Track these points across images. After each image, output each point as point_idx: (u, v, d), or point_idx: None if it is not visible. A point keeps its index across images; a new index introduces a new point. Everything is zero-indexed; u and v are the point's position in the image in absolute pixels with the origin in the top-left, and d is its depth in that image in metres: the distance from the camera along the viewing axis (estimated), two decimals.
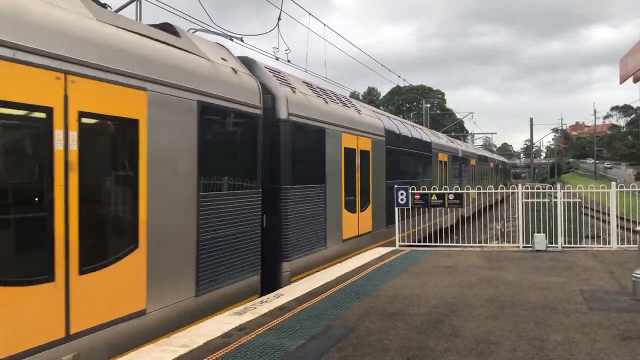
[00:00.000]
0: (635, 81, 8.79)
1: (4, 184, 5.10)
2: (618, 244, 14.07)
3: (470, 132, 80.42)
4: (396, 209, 14.93)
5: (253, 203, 9.13)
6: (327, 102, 12.90)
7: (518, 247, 14.29)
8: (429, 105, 70.62)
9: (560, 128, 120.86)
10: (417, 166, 21.04)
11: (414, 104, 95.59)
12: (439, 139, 27.05)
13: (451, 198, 14.44)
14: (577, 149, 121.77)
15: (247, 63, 10.36)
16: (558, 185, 14.94)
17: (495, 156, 56.27)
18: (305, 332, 6.70)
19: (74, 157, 5.62)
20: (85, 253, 5.69)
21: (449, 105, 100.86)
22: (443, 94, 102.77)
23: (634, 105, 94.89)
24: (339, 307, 7.96)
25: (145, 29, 7.32)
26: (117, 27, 6.53)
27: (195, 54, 8.08)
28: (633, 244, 13.15)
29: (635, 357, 5.69)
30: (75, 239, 5.59)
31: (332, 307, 7.96)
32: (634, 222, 16.45)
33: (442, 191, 14.80)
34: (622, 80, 9.31)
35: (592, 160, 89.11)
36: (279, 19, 14.48)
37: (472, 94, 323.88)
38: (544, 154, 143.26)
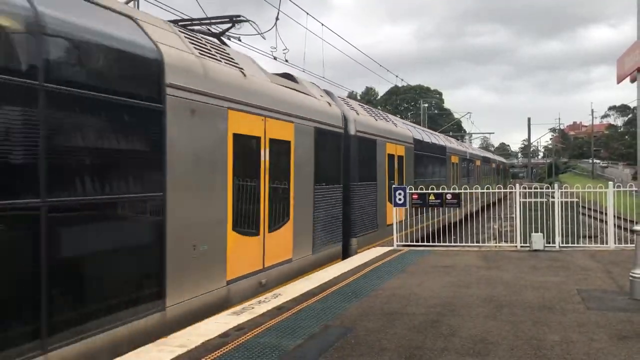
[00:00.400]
0: (632, 81, 8.80)
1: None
2: (615, 243, 14.09)
3: (468, 131, 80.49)
4: (394, 208, 14.95)
5: (338, 194, 13.25)
6: (376, 120, 16.88)
7: (516, 246, 14.31)
8: (426, 105, 70.68)
9: (558, 128, 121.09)
10: (435, 167, 24.22)
11: (412, 103, 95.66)
12: (451, 143, 30.62)
13: (449, 198, 14.45)
14: (574, 149, 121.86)
15: (329, 95, 14.44)
16: (555, 185, 14.97)
17: (497, 157, 59.64)
18: (303, 331, 6.70)
19: (266, 164, 9.67)
20: (270, 221, 9.79)
21: (446, 105, 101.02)
22: (441, 94, 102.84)
23: (632, 105, 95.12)
24: (337, 307, 7.96)
25: (290, 84, 11.71)
26: (280, 85, 10.82)
27: (309, 95, 12.28)
28: (630, 243, 13.17)
29: (632, 357, 5.70)
30: (267, 214, 9.68)
31: (330, 307, 7.97)
32: (632, 221, 16.48)
33: (440, 191, 14.81)
34: (620, 80, 9.32)
35: (590, 160, 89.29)
36: (277, 18, 14.48)
37: (471, 93, 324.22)
38: (541, 154, 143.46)
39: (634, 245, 8.52)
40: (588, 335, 6.46)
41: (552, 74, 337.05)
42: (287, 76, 12.31)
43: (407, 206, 14.89)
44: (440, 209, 17.43)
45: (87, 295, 5.79)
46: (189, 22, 10.66)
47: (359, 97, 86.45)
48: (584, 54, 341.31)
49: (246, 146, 8.99)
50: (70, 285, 5.60)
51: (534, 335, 6.45)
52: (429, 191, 14.80)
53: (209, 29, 10.90)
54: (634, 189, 15.40)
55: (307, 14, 17.65)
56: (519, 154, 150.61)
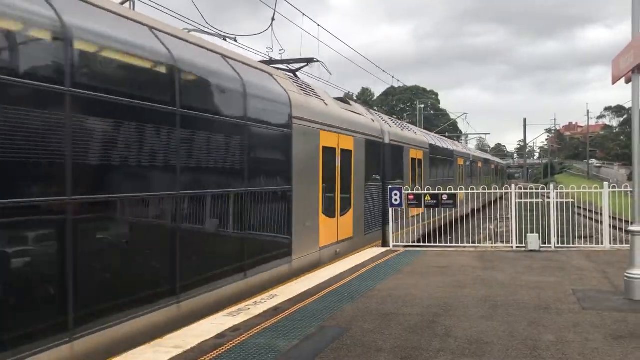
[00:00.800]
0: (627, 82, 8.81)
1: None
2: (611, 243, 14.14)
3: (464, 132, 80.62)
4: (390, 209, 14.97)
5: (379, 190, 16.18)
6: (402, 130, 20.50)
7: (511, 247, 14.34)
8: (423, 105, 70.71)
9: (554, 128, 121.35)
10: (445, 169, 27.49)
11: (408, 104, 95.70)
12: (457, 147, 34.48)
13: (445, 198, 14.47)
14: (570, 150, 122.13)
15: (370, 112, 18.61)
16: (551, 186, 15.00)
17: (495, 159, 64.68)
18: (299, 332, 6.69)
19: (339, 167, 13.00)
20: (341, 208, 13.15)
21: (443, 105, 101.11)
22: (437, 95, 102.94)
23: (627, 106, 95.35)
24: (333, 307, 7.96)
25: (347, 106, 15.49)
26: (343, 109, 14.44)
27: (360, 114, 15.93)
28: (625, 243, 13.20)
29: (626, 357, 5.72)
30: (339, 203, 13.02)
31: (326, 307, 7.97)
32: (627, 222, 16.52)
33: (436, 192, 14.83)
34: (615, 80, 9.32)
35: (585, 161, 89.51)
36: (273, 19, 14.49)
37: (468, 93, 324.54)
38: (537, 155, 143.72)
39: (629, 245, 8.54)
40: (583, 335, 6.48)
41: (549, 74, 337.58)
42: (342, 100, 16.47)
43: (403, 206, 14.93)
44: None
45: (264, 248, 9.61)
46: (276, 61, 14.38)
47: (355, 98, 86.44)
48: (580, 54, 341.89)
49: (328, 154, 12.55)
50: (256, 240, 9.38)
51: (529, 336, 6.46)
52: (425, 192, 14.82)
53: (287, 67, 14.31)
54: (629, 189, 15.44)
55: (303, 14, 17.65)
56: (515, 154, 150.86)
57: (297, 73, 14.34)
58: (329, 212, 12.52)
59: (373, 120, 16.83)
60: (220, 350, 6.02)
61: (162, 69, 7.20)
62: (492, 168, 51.41)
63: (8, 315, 4.95)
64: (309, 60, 14.42)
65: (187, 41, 8.22)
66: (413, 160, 20.52)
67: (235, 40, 12.06)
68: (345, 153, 13.60)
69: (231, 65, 9.08)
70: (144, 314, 6.50)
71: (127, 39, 6.68)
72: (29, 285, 5.20)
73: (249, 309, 7.86)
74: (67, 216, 5.51)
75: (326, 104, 13.00)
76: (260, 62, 12.20)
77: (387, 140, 17.35)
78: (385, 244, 15.88)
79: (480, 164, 42.05)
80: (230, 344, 6.24)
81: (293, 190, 10.58)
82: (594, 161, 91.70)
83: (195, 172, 7.78)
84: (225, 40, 11.57)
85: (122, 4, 8.47)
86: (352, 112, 15.29)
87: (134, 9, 10.97)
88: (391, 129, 18.43)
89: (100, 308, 5.92)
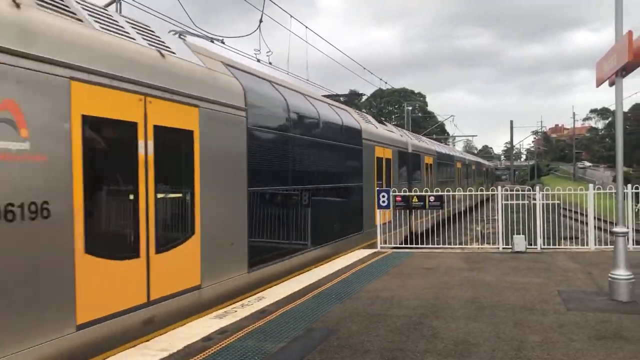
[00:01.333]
0: (611, 85, 8.91)
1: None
2: (596, 245, 14.29)
3: (451, 134, 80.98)
4: (377, 210, 15.02)
5: (406, 189, 17.09)
6: (419, 142, 25.44)
7: (498, 248, 14.44)
8: (410, 108, 70.95)
9: (540, 130, 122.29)
10: (447, 172, 32.14)
11: (396, 106, 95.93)
12: (455, 152, 40.20)
13: (432, 200, 14.53)
14: (556, 151, 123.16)
15: (398, 129, 23.35)
16: (537, 187, 15.12)
17: (485, 162, 71.00)
18: (286, 334, 6.70)
19: (383, 171, 18.22)
20: (377, 202, 15.49)
21: (431, 108, 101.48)
22: (424, 97, 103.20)
23: (612, 108, 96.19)
24: (320, 309, 7.97)
25: (384, 126, 20.34)
26: (386, 130, 19.88)
27: (391, 131, 20.41)
28: (610, 244, 13.34)
29: (610, 357, 5.78)
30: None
31: (314, 309, 7.97)
32: (612, 223, 16.69)
33: (423, 193, 14.89)
34: (599, 83, 9.42)
35: (572, 163, 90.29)
36: (261, 21, 14.49)
37: (455, 96, 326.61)
38: (524, 156, 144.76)
39: (613, 246, 8.64)
40: (568, 335, 6.54)
41: (535, 77, 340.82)
42: (380, 120, 21.26)
43: (391, 208, 14.99)
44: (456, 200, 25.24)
45: (356, 222, 15.40)
46: (332, 96, 20.06)
47: (342, 100, 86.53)
48: (567, 58, 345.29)
49: (380, 163, 17.62)
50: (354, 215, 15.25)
51: (515, 336, 6.51)
52: (412, 194, 14.87)
53: (339, 98, 20.00)
54: (614, 191, 15.61)
55: (291, 16, 17.65)
56: (502, 156, 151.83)
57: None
58: (379, 205, 15.89)
59: (401, 135, 22.14)
60: (207, 353, 6.01)
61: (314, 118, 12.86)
62: (483, 170, 56.06)
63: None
64: (356, 93, 22.67)
65: (308, 97, 13.40)
66: (426, 165, 25.60)
67: (223, 42, 12.03)
68: (387, 161, 18.53)
69: (332, 108, 14.69)
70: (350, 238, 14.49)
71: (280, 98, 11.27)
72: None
73: (235, 311, 7.85)
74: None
75: (376, 127, 18.40)
76: (326, 96, 17.87)
77: (410, 150, 22.08)
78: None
79: (474, 167, 47.10)
80: (218, 347, 6.22)
81: (363, 187, 15.79)
82: (586, 163, 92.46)
83: (332, 174, 13.73)
84: (213, 42, 11.54)
85: (107, 5, 8.42)
86: (389, 130, 20.65)
87: (120, 11, 10.92)
88: (412, 141, 23.59)
89: (321, 241, 12.65)
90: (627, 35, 7.84)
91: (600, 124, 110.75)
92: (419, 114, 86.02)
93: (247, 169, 9.21)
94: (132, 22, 7.60)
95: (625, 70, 8.36)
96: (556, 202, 14.84)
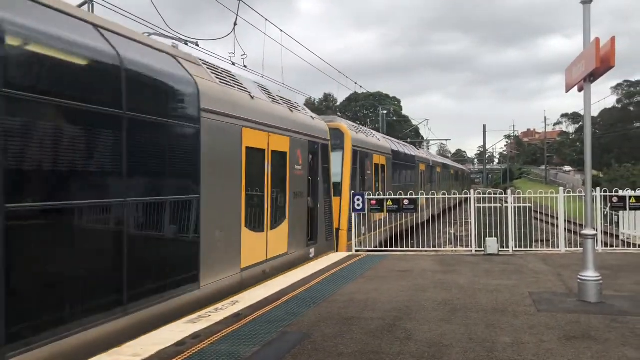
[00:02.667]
0: (579, 90, 9.10)
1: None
2: (566, 247, 14.55)
3: (425, 138, 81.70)
4: (353, 214, 15.07)
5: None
6: (417, 149, 32.16)
7: (471, 251, 14.60)
8: (385, 112, 71.38)
9: (513, 135, 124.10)
10: (430, 176, 35.29)
11: (371, 110, 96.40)
12: (435, 157, 44.68)
13: (406, 203, 14.64)
14: (528, 155, 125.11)
15: (412, 145, 35.17)
16: (509, 191, 15.34)
17: (461, 166, 74.81)
18: (260, 338, 6.67)
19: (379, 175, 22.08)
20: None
21: (406, 112, 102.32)
22: (399, 101, 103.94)
23: (582, 113, 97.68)
24: (295, 313, 7.96)
25: (389, 139, 27.24)
26: (395, 142, 27.59)
27: (407, 145, 31.41)
28: (580, 247, 13.59)
29: (579, 356, 5.89)
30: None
31: (288, 313, 7.96)
32: (581, 225, 17.02)
33: (397, 197, 14.99)
34: (568, 88, 9.62)
35: (543, 166, 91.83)
36: (235, 23, 14.44)
37: (432, 100, 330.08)
38: (497, 160, 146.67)
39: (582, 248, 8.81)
40: (538, 336, 6.64)
41: (510, 82, 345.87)
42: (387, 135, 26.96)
43: (366, 211, 15.04)
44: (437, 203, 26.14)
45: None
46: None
47: (316, 104, 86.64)
48: (541, 63, 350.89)
49: (377, 168, 21.28)
50: None
51: (487, 338, 6.59)
52: (386, 197, 14.96)
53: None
54: (583, 194, 15.92)
55: (266, 20, 17.64)
56: (475, 159, 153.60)
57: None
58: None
59: (408, 148, 28.58)
60: (179, 358, 5.95)
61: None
62: (459, 174, 60.84)
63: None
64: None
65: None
66: (421, 171, 30.36)
67: (197, 45, 11.96)
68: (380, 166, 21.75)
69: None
70: None
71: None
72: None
73: (209, 315, 7.80)
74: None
75: (378, 140, 22.65)
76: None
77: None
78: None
79: (452, 171, 52.44)
80: (190, 351, 6.17)
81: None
82: (568, 168, 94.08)
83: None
84: (187, 44, 11.46)
85: (80, 6, 8.32)
86: (389, 140, 25.24)
87: (93, 11, 10.79)
88: (418, 152, 30.16)
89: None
90: (595, 42, 8.02)
91: (571, 128, 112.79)
92: (394, 118, 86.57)
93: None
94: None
95: (593, 76, 8.55)
96: (528, 205, 15.07)
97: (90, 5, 11.38)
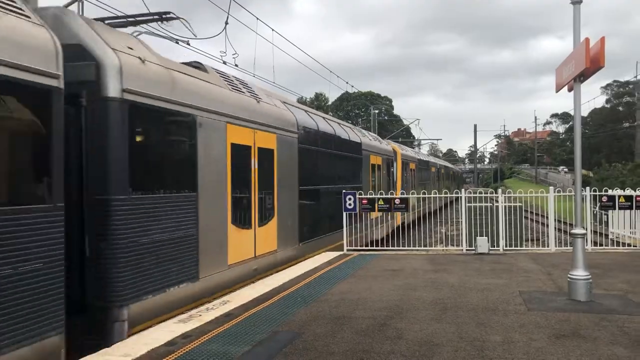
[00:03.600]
0: (569, 90, 9.15)
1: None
2: (556, 246, 14.63)
3: (417, 137, 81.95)
4: (344, 213, 15.07)
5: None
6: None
7: (462, 250, 14.65)
8: (377, 111, 71.50)
9: (503, 134, 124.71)
10: (426, 175, 38.68)
11: (363, 109, 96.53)
12: (430, 158, 47.62)
13: (397, 202, 14.66)
14: (518, 155, 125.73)
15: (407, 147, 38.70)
16: (499, 190, 15.40)
17: (455, 167, 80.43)
18: (251, 338, 6.66)
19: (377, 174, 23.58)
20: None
21: (399, 111, 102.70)
22: (390, 100, 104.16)
23: (572, 113, 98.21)
24: (286, 312, 7.96)
25: (383, 143, 26.97)
26: (384, 143, 27.59)
27: (405, 148, 36.73)
28: (570, 246, 13.68)
29: (568, 355, 5.93)
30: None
31: (279, 312, 7.96)
32: (571, 224, 17.12)
33: (389, 196, 15.01)
34: (558, 88, 9.66)
35: (534, 166, 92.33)
36: (226, 22, 14.39)
37: (424, 100, 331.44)
38: (487, 160, 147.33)
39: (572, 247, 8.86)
40: (528, 335, 6.68)
41: (503, 83, 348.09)
42: (380, 139, 27.54)
43: (357, 211, 15.04)
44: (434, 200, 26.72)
45: None
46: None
47: (307, 102, 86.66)
48: (534, 64, 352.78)
49: (374, 167, 21.88)
50: None
51: (477, 337, 6.62)
52: (378, 196, 14.98)
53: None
54: (573, 193, 16.02)
55: (257, 19, 17.60)
56: (466, 159, 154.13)
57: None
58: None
59: (410, 150, 31.23)
60: (170, 358, 5.94)
61: None
62: (451, 174, 63.49)
63: None
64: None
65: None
66: (412, 170, 31.38)
67: (188, 44, 11.91)
68: (377, 166, 22.52)
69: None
70: None
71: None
72: None
73: (200, 315, 7.78)
74: None
75: (380, 142, 23.98)
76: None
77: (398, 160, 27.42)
78: None
79: (443, 171, 54.49)
80: (181, 351, 6.16)
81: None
82: (563, 168, 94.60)
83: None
84: (178, 43, 11.42)
85: (68, 5, 8.27)
86: (387, 143, 26.36)
87: (82, 11, 10.72)
88: (402, 151, 29.54)
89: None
90: (585, 42, 8.07)
91: (561, 128, 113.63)
92: (385, 118, 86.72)
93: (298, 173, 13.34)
94: (241, 80, 11.74)
95: (583, 76, 8.60)
96: (518, 204, 15.14)
97: (80, 5, 11.30)
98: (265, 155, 11.62)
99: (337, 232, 15.57)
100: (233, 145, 10.10)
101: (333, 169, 16.93)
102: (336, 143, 17.28)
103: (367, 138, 22.53)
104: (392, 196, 14.97)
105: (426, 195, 16.90)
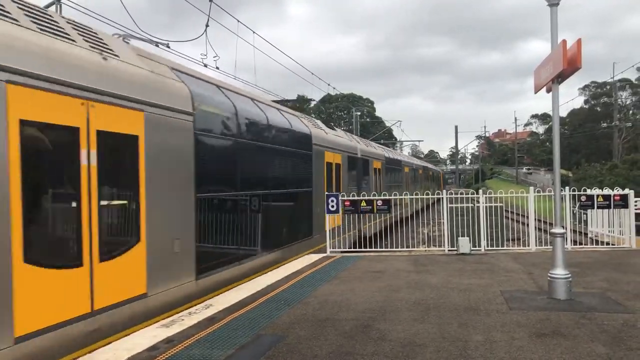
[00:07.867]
0: (548, 91, 9.27)
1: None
2: (536, 245, 14.78)
3: (398, 139, 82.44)
4: (326, 215, 15.09)
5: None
6: (394, 155, 34.28)
7: (444, 250, 14.74)
8: (359, 113, 71.72)
9: (484, 135, 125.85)
10: (414, 176, 41.71)
11: (345, 111, 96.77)
12: (415, 160, 52.60)
13: (379, 204, 14.71)
14: (499, 156, 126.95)
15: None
16: (480, 191, 15.54)
17: (438, 168, 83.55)
18: (234, 342, 6.64)
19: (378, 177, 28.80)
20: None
21: (383, 113, 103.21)
22: (372, 102, 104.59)
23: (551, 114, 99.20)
24: (269, 315, 7.94)
25: (378, 147, 33.23)
26: (381, 148, 33.36)
27: (383, 149, 35.36)
28: (550, 245, 13.84)
29: (549, 353, 6.00)
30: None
31: (262, 315, 7.94)
32: (551, 224, 17.32)
33: (371, 197, 15.06)
34: (537, 90, 9.78)
35: (514, 166, 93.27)
36: (207, 25, 14.35)
37: (411, 102, 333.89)
38: (468, 160, 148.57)
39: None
40: (510, 334, 6.74)
41: (489, 84, 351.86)
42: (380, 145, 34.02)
43: (340, 213, 15.07)
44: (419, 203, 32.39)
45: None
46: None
47: (289, 105, 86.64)
48: (520, 66, 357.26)
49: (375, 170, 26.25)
50: None
51: (459, 337, 6.67)
52: (361, 198, 15.02)
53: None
54: (553, 193, 16.21)
55: (238, 21, 17.59)
56: (448, 160, 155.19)
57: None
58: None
59: (377, 147, 31.57)
60: None
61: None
62: (430, 175, 66.46)
63: None
64: None
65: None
66: (407, 173, 35.24)
67: (168, 47, 11.85)
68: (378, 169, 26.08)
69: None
70: None
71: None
72: None
73: (183, 319, 7.73)
74: None
75: (383, 149, 26.38)
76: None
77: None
78: None
79: (430, 172, 58.78)
80: (164, 356, 6.11)
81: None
82: (546, 172, 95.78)
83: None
84: (157, 46, 11.35)
85: (47, 7, 8.17)
86: (382, 148, 29.52)
87: (60, 12, 10.61)
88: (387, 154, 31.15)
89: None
90: (562, 44, 8.19)
91: (541, 129, 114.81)
92: (367, 119, 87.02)
93: (194, 174, 9.26)
94: (73, 23, 7.41)
95: (561, 78, 8.72)
96: (499, 204, 15.28)
97: (58, 6, 11.19)
98: (118, 144, 7.44)
99: (275, 251, 12.93)
100: (25, 124, 5.90)
101: (265, 169, 12.78)
102: (271, 133, 13.24)
103: (323, 130, 18.55)
104: (374, 197, 15.02)
105: (408, 196, 16.96)
